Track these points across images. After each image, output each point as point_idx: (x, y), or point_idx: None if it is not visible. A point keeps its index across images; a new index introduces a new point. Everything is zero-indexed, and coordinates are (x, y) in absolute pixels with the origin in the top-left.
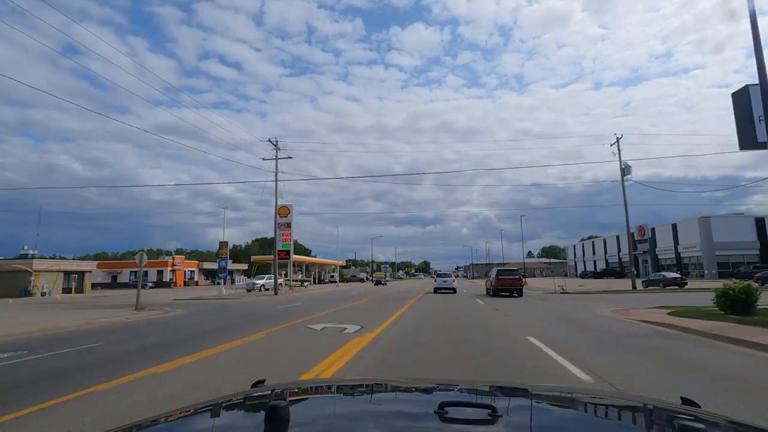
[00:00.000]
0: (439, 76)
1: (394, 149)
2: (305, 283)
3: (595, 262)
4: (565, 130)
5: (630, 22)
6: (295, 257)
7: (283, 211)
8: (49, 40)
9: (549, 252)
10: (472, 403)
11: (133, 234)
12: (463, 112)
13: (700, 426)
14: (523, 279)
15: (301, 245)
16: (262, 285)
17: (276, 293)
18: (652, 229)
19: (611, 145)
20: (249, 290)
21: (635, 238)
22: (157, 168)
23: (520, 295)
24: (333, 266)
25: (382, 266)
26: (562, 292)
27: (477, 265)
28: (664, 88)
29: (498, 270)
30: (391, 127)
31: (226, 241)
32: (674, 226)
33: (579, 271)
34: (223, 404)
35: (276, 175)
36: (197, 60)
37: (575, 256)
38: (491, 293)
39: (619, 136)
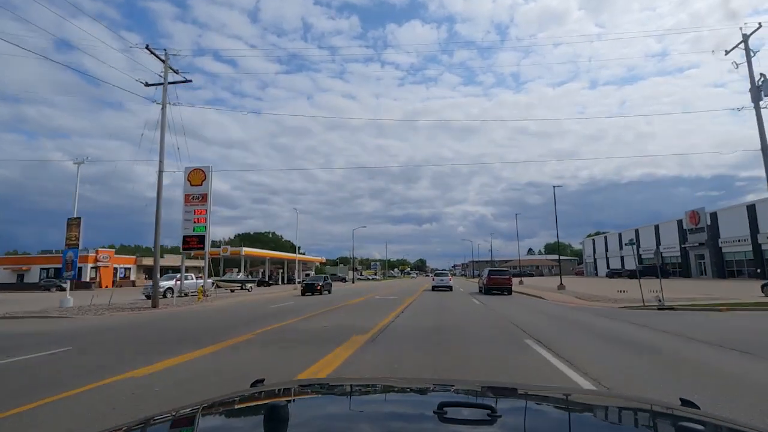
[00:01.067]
0: (436, 74)
1: (390, 147)
2: (248, 286)
3: (622, 258)
4: (560, 129)
5: (626, 21)
6: (246, 250)
7: (195, 177)
8: (41, 34)
9: (554, 249)
10: (472, 403)
11: (131, 231)
12: (459, 110)
13: (699, 427)
14: (561, 283)
15: (287, 241)
16: (168, 288)
17: (156, 305)
18: (713, 215)
19: (727, 53)
20: (148, 296)
21: (684, 227)
22: (152, 165)
23: (510, 293)
24: (313, 263)
25: (372, 264)
26: (661, 308)
27: (478, 262)
28: (659, 87)
29: (490, 270)
30: (388, 124)
31: (78, 218)
32: (751, 209)
33: (599, 269)
34: (223, 403)
35: (163, 108)
36: (192, 56)
37: (594, 252)
38: (483, 291)
39: (749, 32)
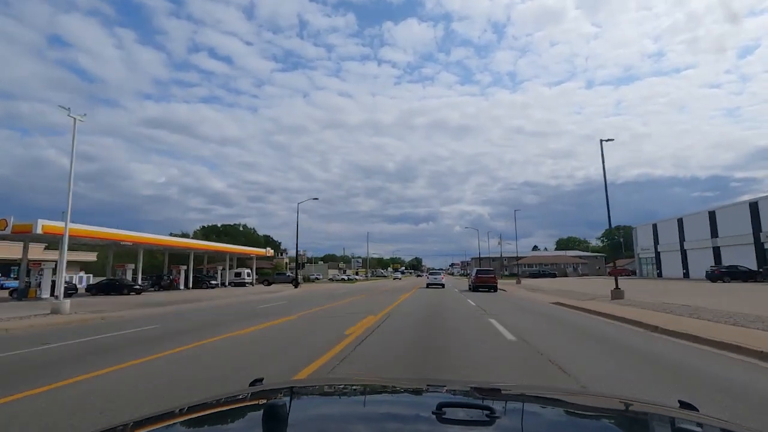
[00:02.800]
0: (433, 72)
1: (387, 145)
2: None
3: (717, 250)
4: (557, 129)
5: (623, 21)
6: (47, 225)
7: None
8: (35, 31)
9: (566, 244)
10: (470, 404)
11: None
12: (456, 109)
13: (698, 429)
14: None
15: (265, 235)
16: None
17: None
18: None
19: None
20: None
21: None
22: (148, 163)
23: (495, 290)
24: (251, 258)
25: (354, 261)
26: None
27: (484, 258)
28: (655, 87)
29: (477, 270)
30: (384, 123)
31: None
32: None
33: (664, 268)
34: (222, 402)
35: None
36: (187, 53)
37: (657, 244)
38: (471, 288)
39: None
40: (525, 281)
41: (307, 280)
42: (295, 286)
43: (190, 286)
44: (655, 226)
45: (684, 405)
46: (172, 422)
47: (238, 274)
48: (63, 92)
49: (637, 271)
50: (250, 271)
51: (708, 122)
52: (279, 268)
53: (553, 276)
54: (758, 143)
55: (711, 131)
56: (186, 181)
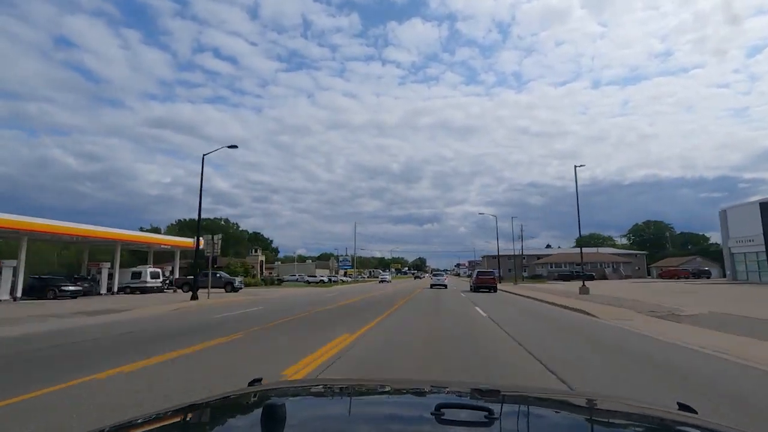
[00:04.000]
0: (437, 73)
1: (391, 146)
2: None
3: None
4: (562, 129)
5: (629, 20)
6: None
7: None
8: (41, 31)
9: (588, 242)
10: (469, 405)
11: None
12: (460, 109)
13: None
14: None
15: (256, 233)
16: None
17: None
18: None
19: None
20: None
21: None
22: (153, 163)
23: (495, 291)
24: (176, 250)
25: (341, 260)
26: None
27: (502, 256)
28: (662, 87)
29: (478, 271)
30: (388, 124)
31: None
32: None
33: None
34: (220, 402)
35: None
36: (192, 53)
37: (763, 231)
38: (473, 289)
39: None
40: (555, 286)
41: (271, 282)
42: (195, 297)
43: (18, 295)
44: (764, 205)
45: (683, 407)
46: (171, 421)
47: (136, 275)
48: (69, 93)
49: (729, 273)
50: (159, 271)
51: (715, 122)
52: (248, 267)
53: (590, 278)
54: (766, 144)
55: (718, 131)
56: (191, 181)
